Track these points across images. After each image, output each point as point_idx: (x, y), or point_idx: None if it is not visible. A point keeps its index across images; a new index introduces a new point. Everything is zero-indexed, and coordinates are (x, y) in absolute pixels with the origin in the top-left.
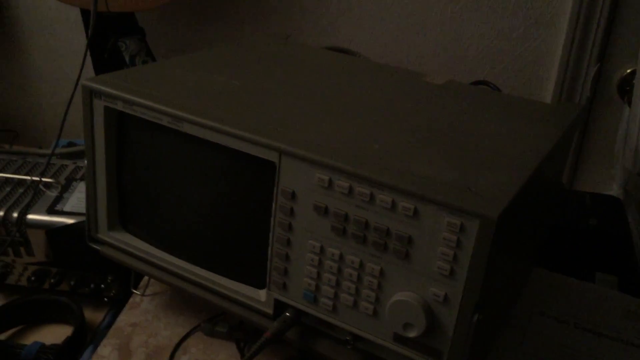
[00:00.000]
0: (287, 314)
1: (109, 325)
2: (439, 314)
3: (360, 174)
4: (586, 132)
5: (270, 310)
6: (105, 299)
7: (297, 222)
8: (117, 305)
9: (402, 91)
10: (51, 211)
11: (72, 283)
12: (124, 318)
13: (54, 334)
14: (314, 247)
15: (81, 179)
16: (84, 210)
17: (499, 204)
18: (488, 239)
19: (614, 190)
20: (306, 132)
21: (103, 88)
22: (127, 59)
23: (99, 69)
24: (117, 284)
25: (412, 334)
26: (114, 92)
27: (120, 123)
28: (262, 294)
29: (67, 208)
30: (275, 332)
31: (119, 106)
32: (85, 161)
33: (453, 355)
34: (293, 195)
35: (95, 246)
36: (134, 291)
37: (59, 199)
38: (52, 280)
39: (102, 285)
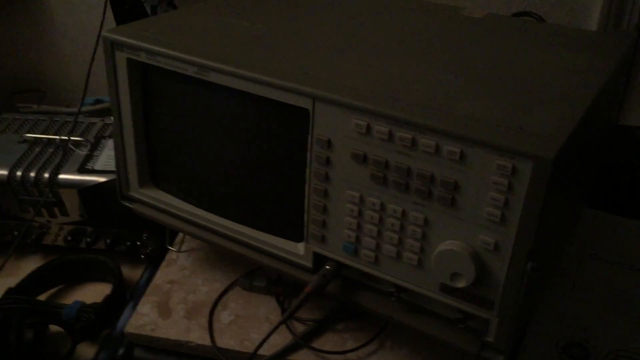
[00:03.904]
0: (327, 267)
1: (148, 282)
2: (489, 263)
3: (400, 117)
4: (633, 63)
5: (309, 264)
6: (142, 256)
7: (334, 172)
8: (154, 262)
9: (439, 27)
10: (82, 170)
11: (108, 241)
12: (162, 275)
13: (93, 293)
14: (353, 197)
15: (110, 137)
16: (115, 168)
17: (554, 144)
18: (543, 182)
19: None
20: (340, 76)
21: (124, 39)
22: (148, 10)
23: (121, 22)
24: (153, 241)
25: (460, 284)
26: (136, 42)
27: (144, 75)
28: (300, 248)
29: (98, 166)
30: (316, 286)
31: (142, 57)
32: (112, 117)
33: (505, 305)
34: (329, 144)
35: (127, 204)
36: (170, 248)
37: (89, 157)
38: (88, 239)
39: (138, 243)
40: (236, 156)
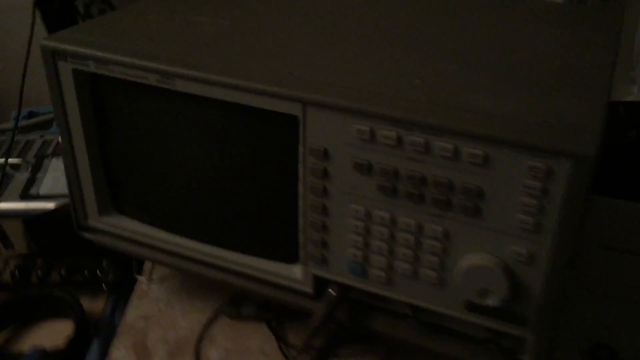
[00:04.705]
0: (331, 291)
1: (112, 314)
2: (522, 276)
3: (410, 119)
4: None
5: (309, 289)
6: (104, 286)
7: (334, 185)
8: (117, 290)
9: (417, 11)
10: (25, 196)
11: (62, 272)
12: (134, 311)
13: (52, 333)
14: (357, 212)
15: (53, 155)
16: (63, 191)
17: (591, 137)
18: (584, 182)
19: (634, 94)
20: (329, 75)
21: (68, 47)
22: (81, 9)
23: (51, 24)
24: (115, 268)
25: (490, 301)
26: (83, 50)
27: (95, 87)
28: (296, 271)
29: (43, 191)
30: (323, 316)
31: (91, 67)
32: (60, 138)
33: (541, 320)
34: (325, 154)
35: (86, 235)
36: (139, 278)
37: (31, 181)
38: (39, 273)
39: (98, 272)
40: (212, 173)
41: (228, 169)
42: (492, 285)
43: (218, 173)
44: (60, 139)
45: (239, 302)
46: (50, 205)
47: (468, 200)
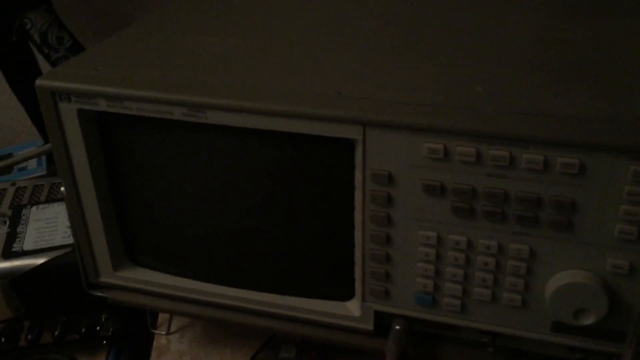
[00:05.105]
0: (397, 327)
1: None
2: (621, 290)
3: (494, 132)
4: None
5: (369, 326)
6: (104, 342)
7: (399, 211)
8: (118, 345)
9: (456, 13)
10: (8, 254)
11: (56, 333)
12: None
13: None
14: (427, 239)
15: (32, 204)
16: (51, 243)
17: None
18: None
19: None
20: (382, 91)
21: (72, 86)
22: (37, 39)
23: (7, 55)
24: (115, 321)
25: (587, 321)
26: (91, 88)
27: (104, 127)
28: (353, 308)
29: (27, 246)
30: (398, 354)
31: (102, 106)
32: (63, 188)
33: None
34: (389, 178)
35: (98, 293)
36: (156, 332)
37: (12, 236)
38: (29, 336)
39: (97, 327)
40: (249, 211)
41: (270, 204)
42: (588, 303)
43: (258, 209)
44: (45, 185)
45: (276, 345)
46: (38, 261)
47: (559, 214)
